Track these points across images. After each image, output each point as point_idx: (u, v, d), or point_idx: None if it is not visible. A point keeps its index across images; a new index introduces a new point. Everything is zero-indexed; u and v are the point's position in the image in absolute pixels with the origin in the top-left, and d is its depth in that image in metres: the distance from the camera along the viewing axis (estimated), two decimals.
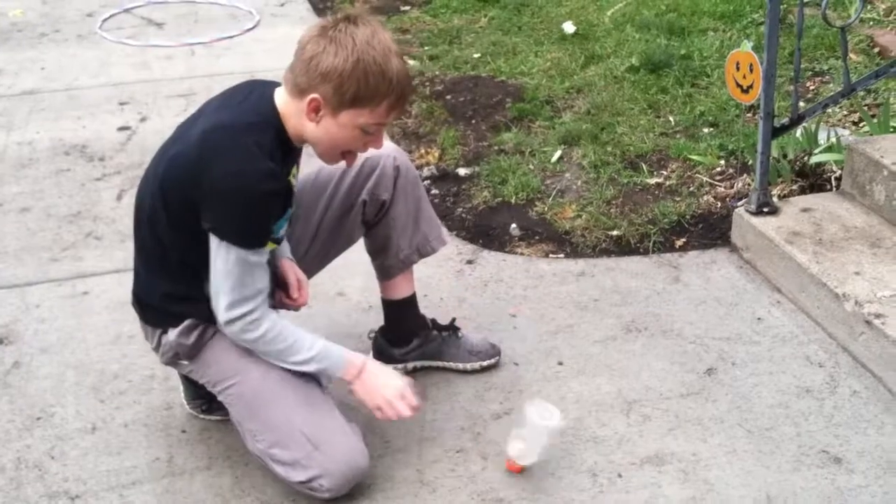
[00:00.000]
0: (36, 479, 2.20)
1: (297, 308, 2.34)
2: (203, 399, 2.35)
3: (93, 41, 5.31)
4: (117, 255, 3.11)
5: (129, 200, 3.48)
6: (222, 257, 1.99)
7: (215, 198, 1.95)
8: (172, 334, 2.12)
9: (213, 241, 1.99)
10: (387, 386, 2.12)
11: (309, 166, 2.30)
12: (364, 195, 2.33)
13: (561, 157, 3.68)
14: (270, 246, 2.11)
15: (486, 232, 3.24)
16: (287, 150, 2.07)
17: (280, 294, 2.30)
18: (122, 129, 4.12)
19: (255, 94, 2.07)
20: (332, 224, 2.37)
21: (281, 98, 2.03)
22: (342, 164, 2.15)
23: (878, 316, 2.47)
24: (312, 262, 2.41)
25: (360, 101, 1.95)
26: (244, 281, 2.00)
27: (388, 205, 2.36)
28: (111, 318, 2.77)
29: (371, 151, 2.19)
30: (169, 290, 2.13)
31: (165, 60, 4.97)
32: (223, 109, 2.05)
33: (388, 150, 2.32)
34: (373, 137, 2.05)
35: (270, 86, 2.10)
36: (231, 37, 5.31)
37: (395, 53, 1.96)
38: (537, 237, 3.19)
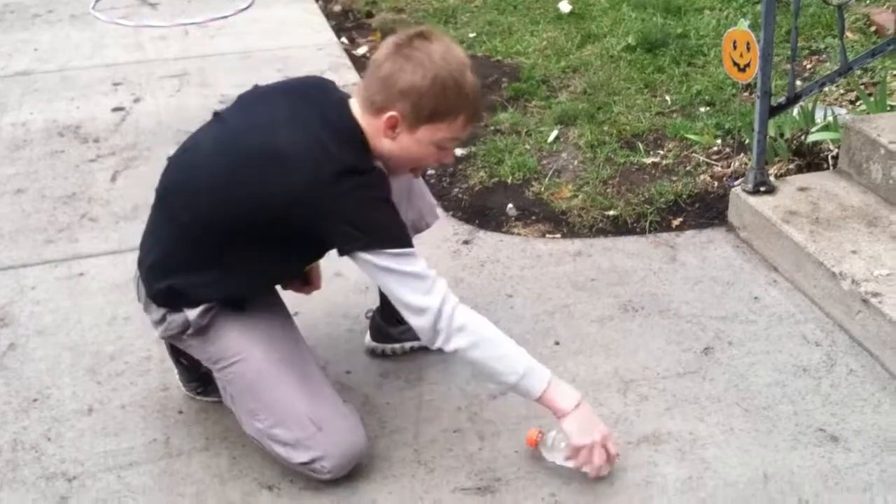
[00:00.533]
0: (33, 461, 2.20)
1: (308, 293, 2.37)
2: (199, 381, 2.34)
3: (86, 22, 5.28)
4: (112, 236, 3.10)
5: (124, 182, 3.48)
6: (388, 271, 1.94)
7: (354, 225, 1.92)
8: (192, 314, 2.07)
9: (370, 265, 1.94)
10: (599, 426, 2.05)
11: None
12: None
13: (557, 137, 3.67)
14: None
15: (482, 212, 3.23)
16: None
17: (295, 282, 2.33)
18: (115, 109, 4.10)
19: (334, 110, 2.02)
20: None
21: (357, 115, 2.01)
22: None
23: (874, 295, 2.47)
24: None
25: (438, 117, 1.95)
26: (416, 276, 1.95)
27: None
28: (106, 299, 2.76)
29: None
30: (200, 282, 2.08)
31: (159, 41, 4.95)
32: (305, 127, 1.97)
33: None
34: (446, 152, 2.05)
35: (337, 94, 2.07)
36: (225, 17, 5.29)
37: (468, 67, 1.97)
38: (534, 217, 3.19)
